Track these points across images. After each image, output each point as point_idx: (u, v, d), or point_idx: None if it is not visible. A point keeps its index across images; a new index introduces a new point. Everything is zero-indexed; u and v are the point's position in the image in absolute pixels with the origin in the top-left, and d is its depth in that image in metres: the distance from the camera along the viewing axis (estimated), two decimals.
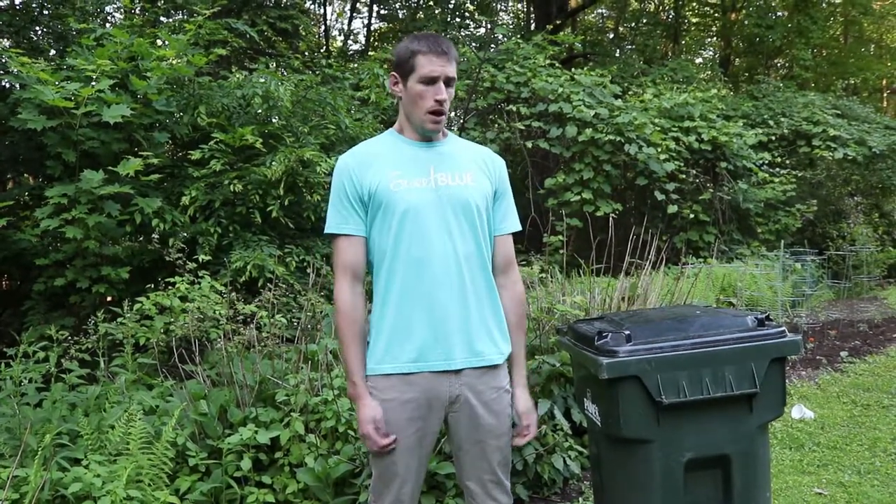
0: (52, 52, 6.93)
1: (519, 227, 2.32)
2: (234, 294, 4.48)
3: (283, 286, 4.94)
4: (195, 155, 5.79)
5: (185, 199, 5.65)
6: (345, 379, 2.38)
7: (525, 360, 2.32)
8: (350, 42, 19.88)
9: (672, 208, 9.74)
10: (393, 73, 2.15)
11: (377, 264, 2.15)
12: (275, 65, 9.67)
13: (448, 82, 2.09)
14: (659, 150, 9.53)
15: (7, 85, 6.10)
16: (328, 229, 2.16)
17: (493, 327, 2.18)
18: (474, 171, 2.18)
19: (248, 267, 5.32)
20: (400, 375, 2.09)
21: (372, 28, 20.06)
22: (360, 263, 2.14)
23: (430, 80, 2.06)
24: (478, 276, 2.14)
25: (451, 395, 2.12)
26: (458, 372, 2.11)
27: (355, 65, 10.61)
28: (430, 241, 2.08)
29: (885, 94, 25.24)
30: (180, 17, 8.32)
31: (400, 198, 2.08)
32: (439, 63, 2.06)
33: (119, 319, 4.12)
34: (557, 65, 11.08)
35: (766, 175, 11.23)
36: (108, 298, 5.28)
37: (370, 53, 15.06)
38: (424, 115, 2.09)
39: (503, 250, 2.28)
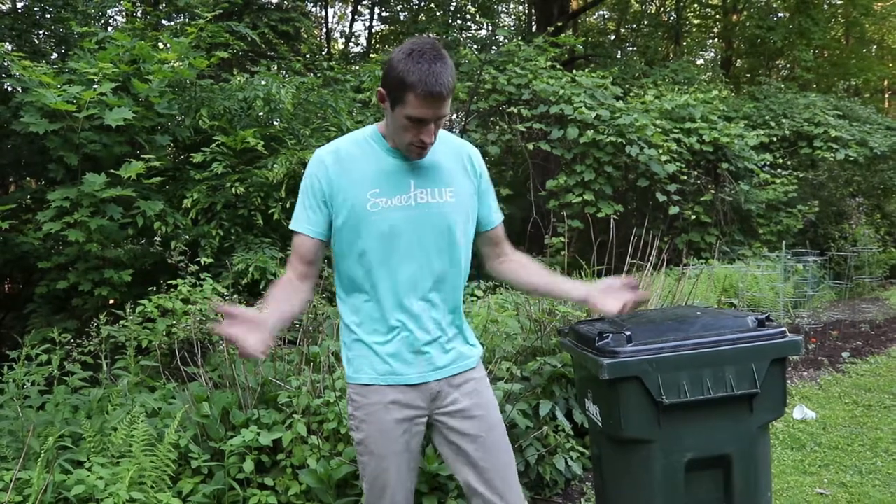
0: (54, 55, 6.95)
1: (501, 216, 2.29)
2: (236, 296, 4.50)
3: None
4: (197, 158, 5.80)
5: (186, 202, 5.66)
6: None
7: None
8: (351, 44, 19.95)
9: (673, 209, 9.74)
10: (381, 87, 1.97)
11: (350, 280, 2.10)
12: (276, 67, 9.69)
13: (439, 119, 1.94)
14: (660, 151, 9.54)
15: (9, 88, 6.12)
16: (294, 225, 2.12)
17: (466, 334, 2.19)
18: (456, 179, 2.11)
19: (250, 269, 5.33)
20: (382, 386, 2.08)
21: (373, 30, 20.11)
22: (315, 261, 2.12)
23: (418, 122, 1.92)
24: (449, 295, 2.12)
25: (432, 391, 2.10)
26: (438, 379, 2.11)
27: (356, 67, 10.65)
28: (405, 260, 2.03)
29: (886, 95, 25.25)
30: (182, 20, 8.34)
31: (378, 218, 2.01)
32: (430, 108, 1.88)
33: (121, 322, 4.12)
34: (559, 67, 11.10)
35: (768, 176, 11.23)
36: (111, 301, 5.28)
37: (371, 56, 15.09)
38: (407, 146, 1.99)
39: (498, 238, 2.28)
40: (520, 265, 2.29)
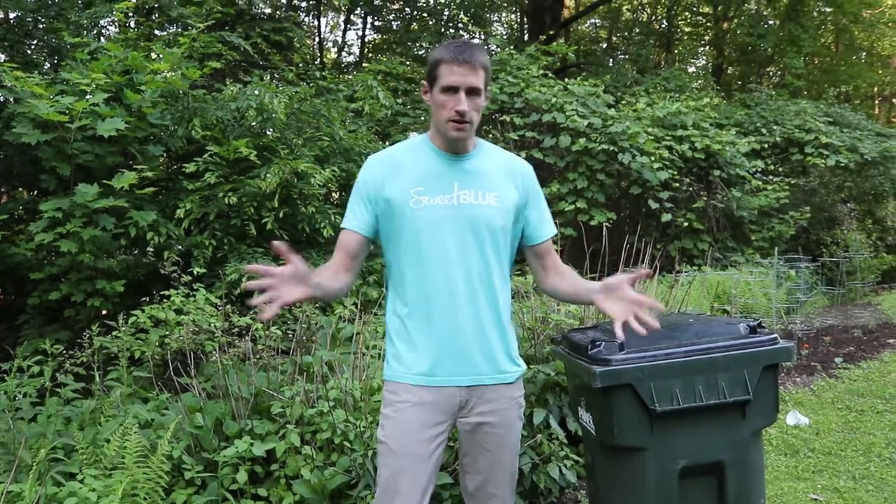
0: (47, 66, 6.93)
1: (555, 231, 2.33)
2: (229, 306, 4.48)
3: None
4: (190, 168, 5.80)
5: (179, 212, 5.65)
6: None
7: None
8: (344, 54, 19.99)
9: (666, 217, 9.77)
10: (424, 81, 2.15)
11: (392, 277, 2.15)
12: (269, 77, 9.70)
13: (472, 91, 2.05)
14: (652, 158, 9.58)
15: (1, 99, 6.11)
16: (342, 223, 2.20)
17: (510, 345, 2.18)
18: (500, 186, 2.16)
19: (243, 279, 5.32)
20: (414, 386, 2.09)
21: (366, 40, 20.17)
22: (358, 255, 2.17)
23: (451, 90, 2.04)
24: (493, 295, 2.13)
25: (462, 399, 2.11)
26: (470, 386, 2.12)
27: (349, 76, 10.67)
28: (446, 260, 2.07)
29: (876, 102, 25.42)
30: (174, 30, 8.34)
31: (418, 215, 2.07)
32: (460, 73, 2.02)
33: (114, 333, 4.11)
34: (551, 75, 11.15)
35: (760, 183, 11.28)
36: (103, 312, 5.27)
37: (364, 65, 15.12)
38: (446, 124, 2.07)
39: (542, 252, 2.29)
40: (560, 277, 2.31)
